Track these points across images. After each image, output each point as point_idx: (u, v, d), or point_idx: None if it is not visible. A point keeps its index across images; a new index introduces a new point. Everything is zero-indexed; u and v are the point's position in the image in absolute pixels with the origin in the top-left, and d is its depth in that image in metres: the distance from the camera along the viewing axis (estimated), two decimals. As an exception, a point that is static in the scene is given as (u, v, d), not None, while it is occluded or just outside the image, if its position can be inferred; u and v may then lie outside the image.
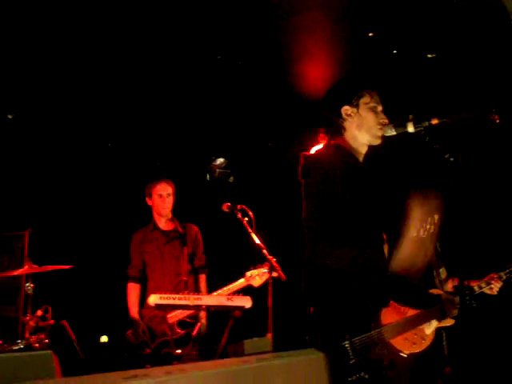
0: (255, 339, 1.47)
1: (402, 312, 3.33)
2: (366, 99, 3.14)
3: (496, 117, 2.98)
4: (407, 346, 3.66)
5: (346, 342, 2.73)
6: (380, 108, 3.16)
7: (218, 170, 6.66)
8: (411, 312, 3.34)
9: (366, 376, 2.70)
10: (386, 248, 3.15)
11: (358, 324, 2.80)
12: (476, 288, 4.23)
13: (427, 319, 3.51)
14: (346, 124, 3.13)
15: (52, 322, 4.41)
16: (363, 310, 2.84)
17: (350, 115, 3.12)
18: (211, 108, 5.84)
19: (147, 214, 5.27)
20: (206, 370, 1.09)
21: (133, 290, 5.11)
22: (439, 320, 3.59)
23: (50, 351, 1.56)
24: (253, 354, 1.43)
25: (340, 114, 3.13)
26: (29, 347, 4.12)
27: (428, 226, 4.41)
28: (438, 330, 3.87)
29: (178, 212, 5.30)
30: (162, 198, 5.15)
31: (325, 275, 2.91)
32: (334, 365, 2.62)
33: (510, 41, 4.08)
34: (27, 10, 4.13)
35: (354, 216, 2.95)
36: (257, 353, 1.45)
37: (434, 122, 2.91)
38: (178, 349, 4.37)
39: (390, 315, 3.09)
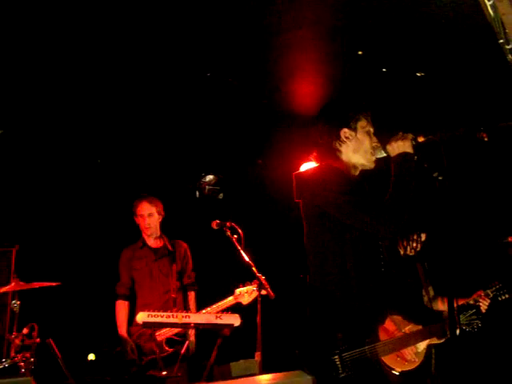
0: (241, 361, 1.44)
1: (391, 333, 3.31)
2: (363, 123, 3.16)
3: (484, 135, 3.00)
4: (400, 363, 3.64)
5: (336, 357, 2.72)
6: (372, 130, 3.18)
7: (207, 187, 6.64)
8: (399, 334, 3.32)
9: None
10: None
11: (350, 339, 2.80)
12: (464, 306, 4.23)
13: (427, 337, 3.49)
14: (343, 147, 3.14)
15: (38, 340, 4.35)
16: (356, 326, 2.85)
17: (348, 138, 3.12)
18: (201, 125, 5.83)
19: (136, 230, 5.24)
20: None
21: (121, 308, 5.07)
22: (439, 338, 3.57)
23: (29, 378, 1.53)
24: (239, 376, 1.40)
25: (339, 137, 3.14)
26: (14, 366, 4.07)
27: (414, 245, 4.43)
28: (428, 347, 3.86)
29: (167, 229, 5.28)
30: (143, 218, 5.12)
31: (321, 291, 2.92)
32: (321, 379, 2.63)
33: (497, 60, 4.11)
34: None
35: (350, 233, 2.97)
36: (243, 375, 1.42)
37: (420, 140, 2.94)
38: (166, 368, 4.32)
39: (380, 333, 3.08)
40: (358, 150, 3.12)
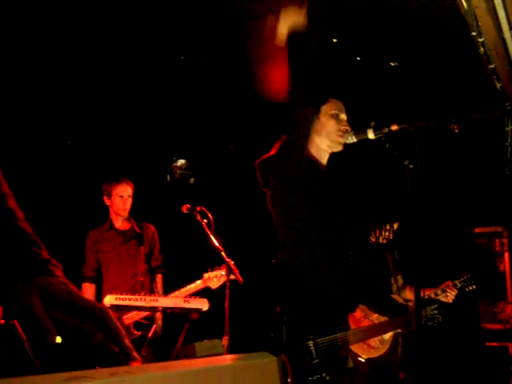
0: (206, 341, 1.44)
1: (358, 320, 3.34)
2: (328, 106, 3.20)
3: (455, 126, 3.02)
4: (366, 351, 3.68)
5: (310, 342, 2.75)
6: (342, 116, 3.21)
7: (178, 172, 6.60)
8: (366, 322, 3.35)
9: (328, 377, 2.73)
10: None
11: (323, 325, 2.83)
12: (432, 295, 4.29)
13: (393, 328, 3.54)
14: None
15: (2, 321, 4.28)
16: (329, 312, 2.87)
17: None
18: (173, 109, 5.79)
19: (102, 212, 5.18)
20: (152, 373, 1.05)
21: (88, 291, 5.02)
22: (404, 330, 3.62)
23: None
24: (204, 356, 1.40)
25: None
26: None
27: (387, 234, 4.48)
28: (394, 335, 3.90)
29: (137, 212, 5.23)
30: (123, 199, 5.07)
31: (292, 277, 2.94)
32: (295, 363, 2.65)
33: (470, 53, 4.15)
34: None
35: (316, 220, 2.98)
36: (208, 355, 1.42)
37: (394, 128, 2.96)
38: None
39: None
40: (320, 132, 3.16)
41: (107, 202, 5.13)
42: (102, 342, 1.69)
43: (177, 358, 3.91)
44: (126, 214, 5.10)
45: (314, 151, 3.17)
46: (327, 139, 3.15)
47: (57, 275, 1.76)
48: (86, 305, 1.71)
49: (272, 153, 3.03)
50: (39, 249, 1.82)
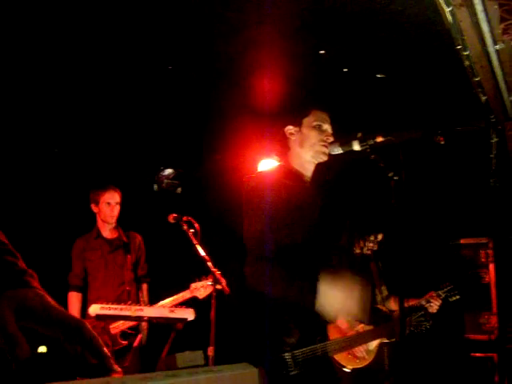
0: (187, 352, 1.44)
1: (343, 331, 3.35)
2: (310, 118, 3.21)
3: (441, 138, 3.04)
4: (351, 361, 3.69)
5: (287, 354, 2.74)
6: (326, 127, 3.21)
7: (165, 181, 6.61)
8: (351, 332, 3.36)
9: None
10: None
11: (301, 337, 2.82)
12: (417, 306, 4.32)
13: (377, 337, 3.55)
14: (290, 143, 3.20)
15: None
16: (307, 323, 2.87)
17: (292, 134, 3.19)
18: (161, 118, 5.79)
19: (89, 220, 5.16)
20: (131, 384, 1.06)
21: (74, 300, 4.99)
22: (388, 339, 3.63)
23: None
24: (185, 367, 1.40)
25: (285, 134, 3.21)
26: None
27: (371, 245, 4.51)
28: (380, 345, 3.91)
29: (124, 221, 5.22)
30: (111, 206, 5.06)
31: (267, 289, 2.94)
32: (272, 376, 2.64)
33: (455, 66, 4.20)
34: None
35: (297, 232, 2.99)
36: (189, 366, 1.42)
37: (379, 139, 2.97)
38: (117, 362, 4.29)
39: (332, 332, 3.11)
40: (303, 144, 3.17)
41: (95, 209, 5.12)
42: (80, 354, 1.67)
43: (158, 368, 3.90)
44: (113, 221, 5.09)
45: (297, 163, 3.18)
46: (311, 150, 3.16)
47: (33, 286, 1.72)
48: (62, 317, 1.68)
49: (258, 170, 3.06)
50: (15, 259, 1.77)
